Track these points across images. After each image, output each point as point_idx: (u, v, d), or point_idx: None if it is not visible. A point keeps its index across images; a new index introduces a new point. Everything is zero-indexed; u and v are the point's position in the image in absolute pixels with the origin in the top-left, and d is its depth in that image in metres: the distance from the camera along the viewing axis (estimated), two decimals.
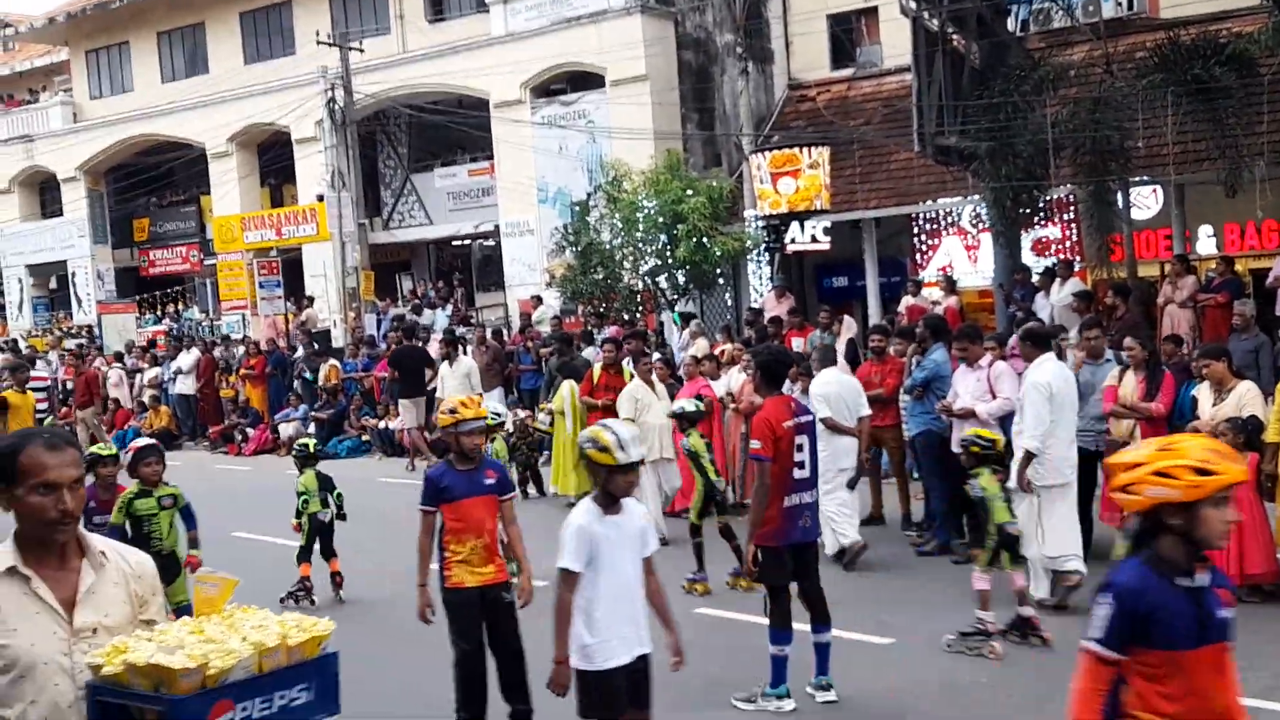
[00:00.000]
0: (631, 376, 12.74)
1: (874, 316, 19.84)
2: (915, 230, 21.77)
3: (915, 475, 11.86)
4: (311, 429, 20.53)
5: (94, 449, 8.48)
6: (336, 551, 10.37)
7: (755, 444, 6.99)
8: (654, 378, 12.52)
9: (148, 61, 33.27)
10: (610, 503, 5.15)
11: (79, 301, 33.81)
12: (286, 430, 21.21)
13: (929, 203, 20.70)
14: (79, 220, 33.60)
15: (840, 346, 14.10)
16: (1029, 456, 8.54)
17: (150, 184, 33.63)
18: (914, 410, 11.16)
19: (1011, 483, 8.37)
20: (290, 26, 30.43)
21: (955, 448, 9.65)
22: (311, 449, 10.68)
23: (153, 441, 8.91)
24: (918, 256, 21.74)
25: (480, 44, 25.84)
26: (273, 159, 30.62)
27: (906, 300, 18.17)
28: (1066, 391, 8.79)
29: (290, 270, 28.07)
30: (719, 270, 20.64)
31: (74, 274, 33.95)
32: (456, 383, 16.20)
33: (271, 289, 25.46)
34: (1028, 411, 8.66)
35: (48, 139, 34.16)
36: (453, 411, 6.58)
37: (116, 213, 34.41)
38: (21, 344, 29.57)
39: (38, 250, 34.89)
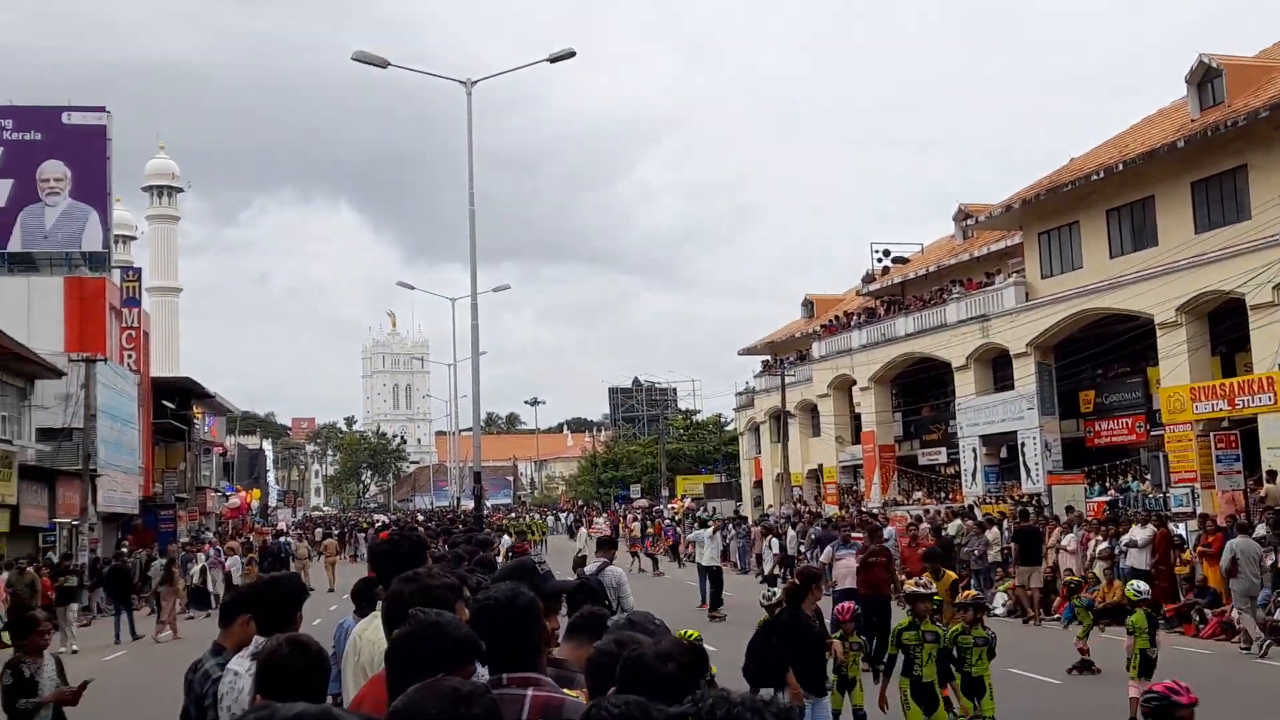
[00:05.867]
0: None
1: None
2: None
3: None
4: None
5: None
6: None
7: None
8: None
9: (1096, 238, 34.28)
10: None
11: (1027, 470, 35.24)
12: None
13: None
14: (1028, 393, 35.32)
15: None
16: None
17: (1096, 357, 34.46)
18: None
19: None
20: (1245, 191, 29.48)
21: None
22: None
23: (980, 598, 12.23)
24: None
25: None
26: (1226, 328, 29.63)
27: None
28: None
29: (1245, 442, 26.65)
30: None
31: (1023, 444, 35.56)
32: None
33: (1229, 463, 24.38)
34: None
35: (1001, 317, 36.65)
36: None
37: (1063, 385, 35.68)
38: (977, 512, 31.45)
39: (990, 421, 37.30)
